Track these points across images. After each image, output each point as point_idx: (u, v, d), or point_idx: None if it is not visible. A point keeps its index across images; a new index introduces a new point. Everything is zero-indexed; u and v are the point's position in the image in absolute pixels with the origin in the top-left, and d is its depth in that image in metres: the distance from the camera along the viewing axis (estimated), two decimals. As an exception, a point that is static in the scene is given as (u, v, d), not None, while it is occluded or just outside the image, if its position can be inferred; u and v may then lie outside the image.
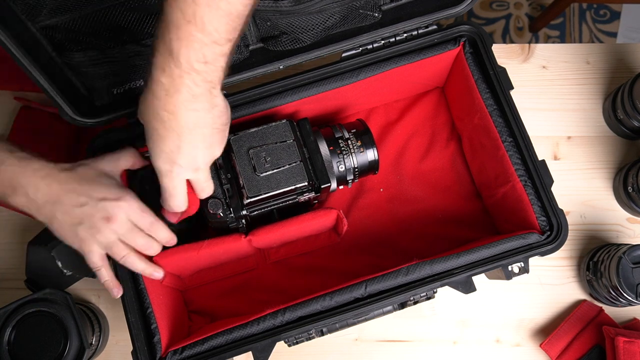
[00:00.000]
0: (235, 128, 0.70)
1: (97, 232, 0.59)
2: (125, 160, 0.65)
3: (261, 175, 0.67)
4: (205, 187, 0.61)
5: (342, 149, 0.72)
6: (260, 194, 0.67)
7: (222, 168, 0.68)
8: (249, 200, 0.67)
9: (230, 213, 0.67)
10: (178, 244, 0.68)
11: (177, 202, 0.60)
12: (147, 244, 0.63)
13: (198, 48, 0.47)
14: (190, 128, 0.52)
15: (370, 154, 0.73)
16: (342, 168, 0.71)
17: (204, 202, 0.66)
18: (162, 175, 0.57)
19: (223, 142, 0.58)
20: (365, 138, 0.73)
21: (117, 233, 0.60)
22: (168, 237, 0.64)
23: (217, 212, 0.66)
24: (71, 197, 0.58)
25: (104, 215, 0.58)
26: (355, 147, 0.72)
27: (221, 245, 0.70)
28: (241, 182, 0.67)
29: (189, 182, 0.60)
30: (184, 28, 0.46)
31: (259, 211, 0.69)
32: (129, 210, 0.60)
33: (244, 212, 0.68)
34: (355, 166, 0.72)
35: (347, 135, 0.73)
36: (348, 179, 0.73)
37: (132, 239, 0.61)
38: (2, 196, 0.58)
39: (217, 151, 0.58)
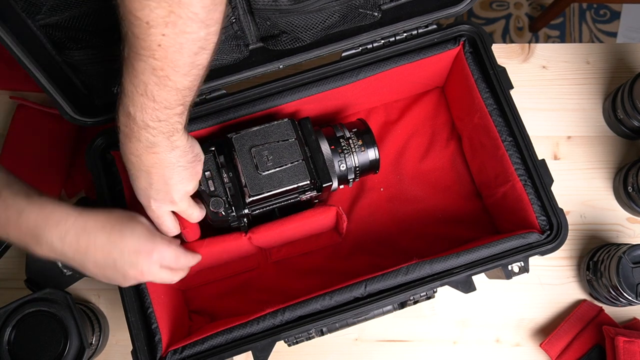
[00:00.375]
0: (236, 127, 0.70)
1: (130, 280, 0.62)
2: None
3: (263, 173, 0.67)
4: (190, 215, 0.65)
5: (344, 148, 0.72)
6: (263, 193, 0.67)
7: (224, 167, 0.68)
8: (251, 199, 0.67)
9: (232, 212, 0.67)
10: None
11: (166, 229, 0.64)
12: (177, 275, 0.67)
13: (151, 112, 0.53)
14: (155, 167, 0.58)
15: (372, 153, 0.73)
16: (343, 167, 0.72)
17: (206, 202, 0.66)
18: (145, 209, 0.63)
19: (193, 178, 0.62)
20: (366, 137, 0.73)
21: (149, 279, 0.63)
22: (195, 261, 0.69)
23: (219, 211, 0.66)
24: (102, 252, 0.59)
25: (138, 270, 0.61)
26: (356, 146, 0.72)
27: (221, 244, 0.70)
28: (243, 180, 0.67)
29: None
30: (137, 99, 0.53)
31: (261, 210, 0.69)
32: (162, 260, 0.63)
33: (246, 211, 0.68)
34: (357, 165, 0.72)
35: (348, 134, 0.73)
36: (349, 178, 0.73)
37: (162, 275, 0.65)
38: (24, 245, 0.59)
39: (189, 186, 0.62)
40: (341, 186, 0.73)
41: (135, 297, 0.67)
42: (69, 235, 0.58)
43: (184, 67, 0.51)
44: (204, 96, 0.72)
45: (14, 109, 0.86)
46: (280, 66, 0.74)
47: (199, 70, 0.53)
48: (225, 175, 0.67)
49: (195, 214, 0.65)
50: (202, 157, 0.63)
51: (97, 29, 0.64)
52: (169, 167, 0.58)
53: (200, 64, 0.52)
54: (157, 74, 0.51)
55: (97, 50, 0.66)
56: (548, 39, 1.65)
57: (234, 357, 0.70)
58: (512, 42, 1.64)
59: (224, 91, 0.72)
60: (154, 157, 0.57)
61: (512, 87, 0.72)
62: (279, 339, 0.64)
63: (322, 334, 0.69)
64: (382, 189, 0.82)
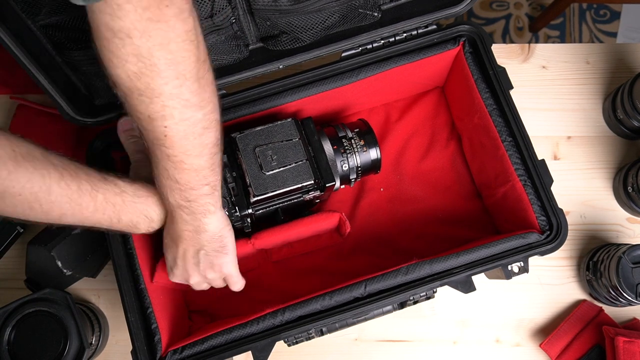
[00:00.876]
0: (239, 127, 0.70)
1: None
2: None
3: (267, 173, 0.67)
4: (233, 285, 0.69)
5: (346, 148, 0.72)
6: (267, 192, 0.67)
7: (228, 166, 0.68)
8: (255, 199, 0.67)
9: (236, 212, 0.67)
10: None
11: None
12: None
13: (179, 193, 0.57)
14: (186, 249, 0.63)
15: (373, 153, 0.73)
16: (345, 167, 0.72)
17: None
18: None
19: (215, 270, 0.65)
20: (368, 137, 0.73)
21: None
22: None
23: None
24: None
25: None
26: (358, 147, 0.72)
27: None
28: (247, 180, 0.67)
29: None
30: (165, 182, 0.57)
31: (264, 210, 0.69)
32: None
33: (250, 211, 0.67)
34: (359, 165, 0.72)
35: (350, 134, 0.73)
36: (351, 178, 0.73)
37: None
38: (132, 227, 0.61)
39: (211, 276, 0.66)
40: (343, 186, 0.74)
41: (135, 297, 0.67)
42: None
43: (194, 150, 0.54)
44: (204, 96, 0.72)
45: (14, 109, 0.86)
46: (280, 66, 0.74)
47: (210, 148, 0.55)
48: (228, 175, 0.67)
49: (235, 285, 0.69)
50: (230, 249, 0.65)
51: (97, 29, 0.64)
52: (195, 247, 0.62)
53: (208, 142, 0.55)
54: (173, 160, 0.54)
55: (97, 51, 0.66)
56: (548, 39, 1.65)
57: (234, 357, 0.70)
58: (512, 42, 1.64)
59: (224, 91, 0.72)
60: (186, 235, 0.61)
61: (512, 87, 0.72)
62: (279, 339, 0.64)
63: (322, 334, 0.69)
64: (382, 189, 0.82)
